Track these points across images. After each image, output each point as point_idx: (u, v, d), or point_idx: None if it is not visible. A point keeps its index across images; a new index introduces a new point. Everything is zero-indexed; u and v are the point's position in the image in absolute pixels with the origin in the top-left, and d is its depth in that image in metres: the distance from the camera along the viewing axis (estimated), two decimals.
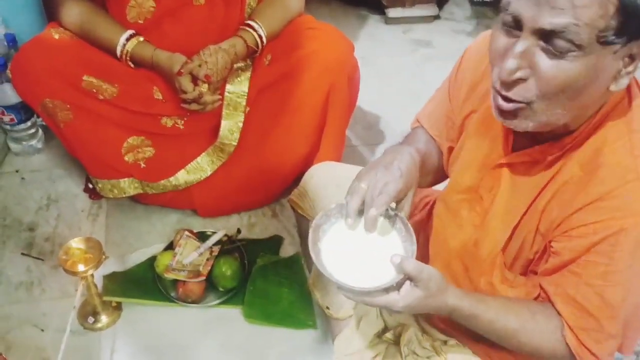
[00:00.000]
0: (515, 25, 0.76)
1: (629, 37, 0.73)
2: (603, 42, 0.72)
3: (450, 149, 1.06)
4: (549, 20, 0.72)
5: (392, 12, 2.47)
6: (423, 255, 1.09)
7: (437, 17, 2.51)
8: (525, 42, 0.75)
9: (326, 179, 1.24)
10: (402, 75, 2.24)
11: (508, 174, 0.93)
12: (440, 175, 1.11)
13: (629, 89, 0.84)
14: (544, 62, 0.75)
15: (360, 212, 0.90)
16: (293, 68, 1.51)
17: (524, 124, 0.81)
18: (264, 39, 1.50)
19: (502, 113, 0.82)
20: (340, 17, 2.48)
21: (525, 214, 0.90)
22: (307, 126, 1.55)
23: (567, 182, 0.84)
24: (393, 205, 0.89)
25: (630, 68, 0.77)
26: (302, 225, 1.32)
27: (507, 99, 0.79)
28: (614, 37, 0.72)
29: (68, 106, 1.42)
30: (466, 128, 1.01)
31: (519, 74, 0.76)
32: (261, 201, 1.70)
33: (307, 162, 1.54)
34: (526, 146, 0.89)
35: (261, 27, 1.49)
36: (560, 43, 0.73)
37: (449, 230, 1.02)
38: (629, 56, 0.76)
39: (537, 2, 0.73)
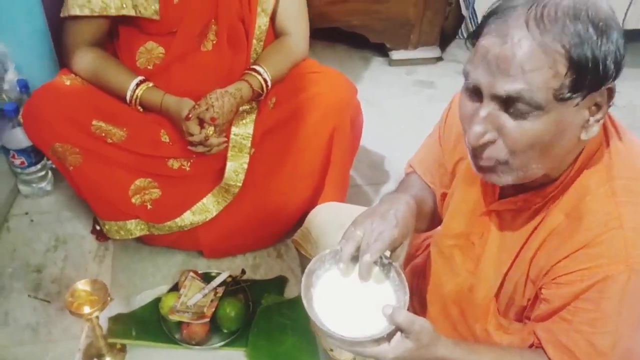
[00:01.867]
0: (476, 92, 0.79)
1: (588, 90, 0.75)
2: (561, 99, 0.74)
3: (444, 195, 1.08)
4: (503, 88, 0.75)
5: (396, 54, 2.52)
6: (424, 297, 1.09)
7: (440, 58, 2.55)
8: (487, 108, 0.78)
9: (330, 220, 1.25)
10: (406, 116, 2.27)
11: (496, 220, 0.94)
12: (437, 220, 1.12)
13: (605, 133, 0.85)
14: (509, 124, 0.78)
15: (355, 258, 0.91)
16: (297, 110, 1.54)
17: (503, 179, 0.83)
18: (269, 83, 1.54)
19: (480, 169, 0.84)
20: (345, 59, 2.52)
21: (514, 261, 0.91)
22: (311, 167, 1.57)
23: (553, 231, 0.85)
24: (388, 253, 0.90)
25: (598, 116, 0.79)
26: (306, 266, 1.32)
27: (482, 158, 0.82)
28: (570, 94, 0.74)
29: (77, 150, 1.45)
30: (457, 174, 1.03)
31: (486, 137, 0.79)
32: (266, 242, 1.71)
33: (312, 203, 1.55)
34: (511, 194, 0.90)
35: (266, 72, 1.53)
36: (519, 106, 0.76)
37: (445, 275, 1.03)
38: (595, 105, 0.78)
39: (491, 71, 0.76)
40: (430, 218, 1.11)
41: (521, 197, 0.89)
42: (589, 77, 0.74)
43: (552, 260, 0.85)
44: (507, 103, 0.77)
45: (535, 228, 0.88)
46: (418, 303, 1.12)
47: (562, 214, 0.85)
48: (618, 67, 0.76)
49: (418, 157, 1.17)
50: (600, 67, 0.74)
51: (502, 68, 0.75)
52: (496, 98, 0.77)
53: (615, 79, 0.77)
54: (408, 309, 0.85)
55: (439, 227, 1.08)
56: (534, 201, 0.88)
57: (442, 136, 1.08)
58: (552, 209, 0.86)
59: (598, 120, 0.79)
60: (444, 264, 1.03)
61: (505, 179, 0.83)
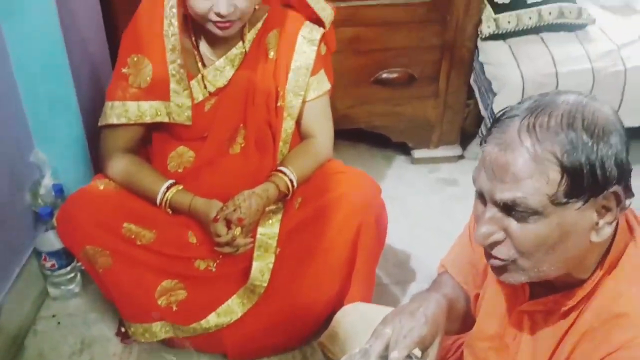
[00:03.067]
0: (482, 196, 0.83)
1: (589, 194, 0.76)
2: (558, 204, 0.76)
3: (477, 296, 1.07)
4: (500, 196, 0.79)
5: (418, 153, 2.57)
6: None
7: (461, 157, 2.59)
8: (491, 211, 0.81)
9: (357, 321, 1.23)
10: (430, 214, 2.28)
11: (528, 322, 0.92)
12: (470, 321, 1.10)
13: (631, 232, 0.85)
14: (513, 226, 0.80)
15: (384, 357, 0.89)
16: (322, 210, 1.56)
17: (516, 278, 0.84)
18: (295, 184, 1.57)
19: (493, 269, 0.86)
20: (368, 159, 2.58)
21: None
22: (336, 267, 1.57)
23: (586, 332, 0.83)
24: (418, 353, 0.89)
25: (608, 218, 0.79)
26: None
27: (493, 257, 0.83)
28: (567, 199, 0.76)
29: (108, 252, 1.48)
30: (488, 274, 1.03)
31: (493, 238, 0.82)
32: (292, 343, 1.67)
33: (338, 303, 1.54)
34: (542, 295, 0.90)
35: (292, 173, 1.57)
36: (518, 210, 0.78)
37: None
38: (603, 207, 0.78)
39: (490, 178, 0.80)
40: (462, 319, 1.09)
41: (551, 298, 0.88)
42: (586, 183, 0.76)
43: None
44: (507, 208, 0.79)
45: (568, 330, 0.86)
46: None
47: (594, 316, 0.83)
48: (621, 170, 0.77)
49: (450, 256, 1.17)
50: (599, 172, 0.76)
51: (498, 176, 0.79)
52: (496, 203, 0.80)
53: (620, 182, 0.78)
54: None
55: (472, 329, 1.06)
56: (564, 303, 0.86)
57: (473, 236, 1.09)
58: (583, 311, 0.85)
59: (609, 223, 0.79)
60: None
61: (518, 278, 0.84)
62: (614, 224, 0.80)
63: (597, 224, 0.79)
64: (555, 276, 0.84)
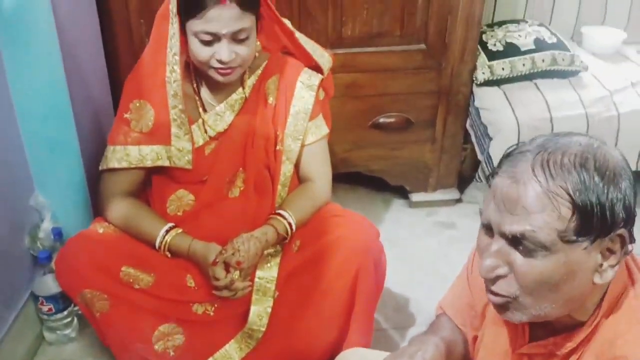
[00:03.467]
0: (489, 229, 0.84)
1: (596, 235, 0.77)
2: (567, 241, 0.77)
3: (476, 338, 1.06)
4: (509, 228, 0.80)
5: (416, 197, 2.58)
6: None
7: (459, 200, 2.60)
8: (498, 243, 0.82)
9: None
10: (429, 257, 2.27)
11: None
12: None
13: (630, 276, 0.86)
14: (519, 260, 0.80)
15: None
16: (321, 253, 1.57)
17: (517, 316, 0.84)
18: (294, 227, 1.58)
19: (495, 306, 0.86)
20: (366, 202, 2.59)
21: None
22: (335, 311, 1.56)
23: None
24: None
25: (611, 261, 0.80)
26: None
27: (494, 293, 0.83)
28: (576, 237, 0.77)
29: (105, 296, 1.47)
30: (486, 316, 1.03)
31: (497, 272, 0.82)
32: None
33: (336, 348, 1.52)
34: (541, 337, 0.90)
35: (291, 216, 1.58)
36: (526, 244, 0.79)
37: None
38: (607, 250, 0.79)
39: (500, 210, 0.80)
40: None
41: (551, 340, 0.88)
42: (595, 223, 0.77)
43: None
44: (515, 241, 0.80)
45: None
46: None
47: (594, 358, 0.83)
48: (628, 214, 0.78)
49: (448, 298, 1.17)
50: (608, 214, 0.77)
51: (509, 208, 0.79)
52: (504, 236, 0.80)
53: (626, 226, 0.79)
54: None
55: None
56: (564, 345, 0.86)
57: (470, 277, 1.09)
58: (583, 353, 0.85)
59: (612, 266, 0.80)
60: None
61: (519, 316, 0.84)
62: (617, 267, 0.81)
63: (600, 265, 0.80)
64: (555, 317, 0.84)
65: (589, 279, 0.80)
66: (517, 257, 0.80)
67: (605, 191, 0.77)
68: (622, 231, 0.79)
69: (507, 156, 0.84)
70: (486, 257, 0.83)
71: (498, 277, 0.83)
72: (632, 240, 0.82)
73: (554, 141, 0.82)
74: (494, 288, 0.83)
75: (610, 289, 0.83)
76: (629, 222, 0.80)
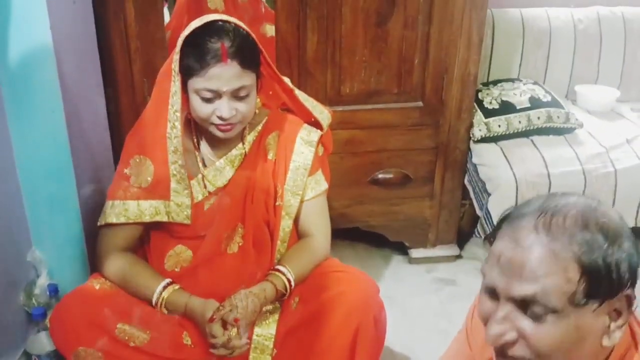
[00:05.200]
0: (494, 293, 0.82)
1: (604, 296, 0.77)
2: (577, 304, 0.76)
3: None
4: (518, 291, 0.78)
5: (415, 253, 2.57)
6: None
7: (459, 256, 2.59)
8: (505, 308, 0.80)
9: None
10: (429, 314, 2.24)
11: None
12: None
13: (633, 336, 0.85)
14: (528, 326, 0.79)
15: None
16: (320, 309, 1.54)
17: None
18: (293, 283, 1.56)
19: None
20: (365, 258, 2.57)
21: None
22: None
23: None
24: None
25: (619, 322, 0.80)
26: None
27: (510, 357, 0.82)
28: (585, 299, 0.76)
29: (100, 354, 1.44)
30: None
31: (506, 338, 0.80)
32: None
33: None
34: None
35: (290, 272, 1.56)
36: (535, 308, 0.78)
37: None
38: (614, 311, 0.78)
39: (506, 274, 0.79)
40: None
41: None
42: (603, 283, 0.76)
43: None
44: (524, 305, 0.78)
45: None
46: None
47: None
48: (633, 274, 0.78)
49: (447, 356, 1.14)
50: (614, 274, 0.76)
51: (516, 272, 0.78)
52: (512, 300, 0.79)
53: (632, 285, 0.78)
54: None
55: None
56: None
57: (470, 336, 1.07)
58: None
59: (620, 327, 0.79)
60: None
61: None
62: (624, 328, 0.79)
63: (608, 327, 0.79)
64: None
65: (598, 341, 0.79)
66: (525, 323, 0.79)
67: (610, 252, 0.76)
68: (629, 291, 0.78)
69: (505, 219, 0.84)
70: (492, 323, 0.81)
71: (508, 344, 0.81)
72: (634, 299, 0.81)
73: (553, 203, 0.82)
74: (510, 352, 0.81)
75: (614, 352, 0.82)
76: (634, 282, 0.79)
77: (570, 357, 0.79)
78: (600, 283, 0.76)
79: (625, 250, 0.78)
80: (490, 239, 0.85)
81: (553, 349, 0.78)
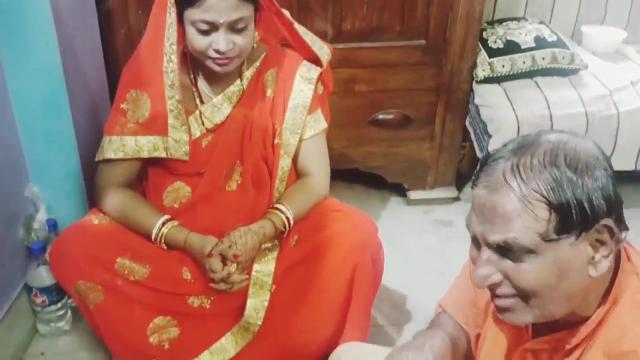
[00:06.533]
0: (476, 241, 0.84)
1: (580, 229, 0.77)
2: (549, 240, 0.77)
3: (478, 336, 1.05)
4: (492, 238, 0.80)
5: (414, 194, 2.57)
6: None
7: (457, 198, 2.60)
8: (486, 253, 0.82)
9: None
10: (426, 255, 2.26)
11: None
12: None
13: (634, 268, 0.85)
14: (509, 267, 0.81)
15: None
16: (318, 248, 1.55)
17: (522, 318, 0.84)
18: (292, 221, 1.56)
19: (499, 310, 0.86)
20: (364, 199, 2.58)
21: None
22: (332, 305, 1.54)
23: None
24: None
25: (604, 252, 0.80)
26: None
27: (498, 297, 0.84)
28: (557, 235, 0.77)
29: (100, 288, 1.46)
30: (489, 313, 1.01)
31: (491, 280, 0.82)
32: None
33: (333, 342, 1.51)
34: (544, 333, 0.89)
35: (289, 210, 1.56)
36: (512, 251, 0.79)
37: None
38: (598, 241, 0.79)
39: (481, 222, 0.81)
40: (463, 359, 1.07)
41: (556, 336, 0.87)
42: (575, 218, 0.76)
43: None
44: (501, 249, 0.80)
45: None
46: None
47: (600, 354, 0.82)
48: (610, 203, 0.78)
49: (449, 297, 1.15)
50: (587, 207, 0.76)
51: (488, 219, 0.80)
52: (490, 246, 0.81)
53: (611, 215, 0.78)
54: None
55: None
56: (569, 340, 0.85)
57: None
58: (588, 349, 0.83)
59: (606, 256, 0.79)
60: None
61: (524, 318, 0.84)
62: (611, 257, 0.80)
63: (593, 257, 0.79)
64: (559, 316, 0.83)
65: (584, 273, 0.79)
66: (507, 263, 0.80)
67: (581, 184, 0.76)
68: (606, 221, 0.78)
69: (483, 165, 0.84)
70: (477, 267, 0.83)
71: (495, 285, 0.83)
72: (624, 227, 0.81)
73: (524, 143, 0.81)
74: (498, 292, 0.83)
75: (615, 283, 0.82)
76: (612, 210, 0.79)
77: (558, 292, 0.80)
78: (571, 218, 0.76)
79: (597, 179, 0.77)
80: (473, 184, 0.85)
81: (536, 286, 0.79)
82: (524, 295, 0.81)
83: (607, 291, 0.83)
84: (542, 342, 0.89)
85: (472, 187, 0.85)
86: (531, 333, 0.91)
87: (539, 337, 0.90)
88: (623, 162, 2.29)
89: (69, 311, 1.82)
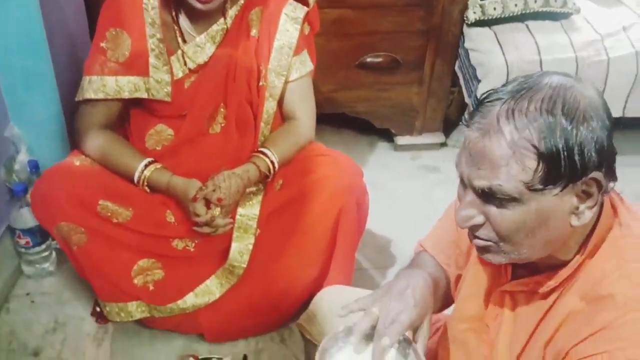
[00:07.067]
0: (463, 181, 0.83)
1: (567, 180, 0.76)
2: (534, 190, 0.76)
3: (458, 277, 1.06)
4: (477, 183, 0.79)
5: (401, 140, 2.56)
6: None
7: (444, 144, 2.59)
8: (471, 195, 0.82)
9: (336, 303, 1.20)
10: (412, 200, 2.27)
11: (510, 302, 0.93)
12: (447, 303, 1.10)
13: (617, 215, 0.85)
14: (492, 211, 0.80)
15: (369, 336, 0.88)
16: (303, 192, 1.55)
17: (497, 259, 0.85)
18: (276, 165, 1.55)
19: (478, 249, 0.87)
20: (351, 144, 2.56)
21: (527, 343, 0.88)
22: (316, 249, 1.56)
23: (570, 313, 0.83)
24: (410, 334, 0.88)
25: (589, 203, 0.79)
26: (311, 351, 1.28)
27: (477, 237, 0.84)
28: (543, 186, 0.76)
29: (82, 229, 1.45)
30: (471, 255, 1.02)
31: (473, 221, 0.82)
32: (270, 325, 1.66)
33: (317, 286, 1.53)
34: (524, 275, 0.90)
35: (274, 154, 1.55)
36: (496, 197, 0.78)
37: None
38: (584, 192, 0.78)
39: (469, 164, 0.80)
40: (443, 299, 1.08)
41: (534, 278, 0.88)
42: (563, 169, 0.75)
43: (570, 343, 0.81)
44: (485, 195, 0.79)
45: (547, 311, 0.86)
46: None
47: (577, 297, 0.83)
48: (602, 156, 0.76)
49: (432, 237, 1.16)
50: (577, 158, 0.75)
51: (476, 162, 0.78)
52: (475, 190, 0.80)
53: (601, 168, 0.77)
54: None
55: (452, 311, 1.06)
56: (546, 283, 0.86)
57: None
58: (565, 292, 0.84)
59: (590, 208, 0.79)
60: (458, 349, 1.00)
61: (500, 259, 0.85)
62: (596, 208, 0.79)
63: (577, 208, 0.79)
64: (536, 259, 0.84)
65: (565, 222, 0.79)
66: (490, 207, 0.80)
67: (574, 134, 0.74)
68: (595, 174, 0.76)
69: (480, 105, 0.81)
70: (461, 207, 0.83)
71: (476, 226, 0.83)
72: (613, 178, 0.80)
73: (525, 85, 0.78)
74: (477, 234, 0.84)
75: (596, 229, 0.82)
76: (603, 163, 0.77)
77: (535, 238, 0.80)
78: (559, 169, 0.75)
79: (592, 130, 0.75)
80: (465, 121, 0.82)
81: (516, 231, 0.79)
82: (502, 238, 0.81)
83: (588, 237, 0.83)
84: (520, 284, 0.90)
85: (465, 125, 0.83)
86: (510, 275, 0.92)
87: (517, 279, 0.91)
88: (612, 109, 2.28)
89: (54, 252, 1.82)
